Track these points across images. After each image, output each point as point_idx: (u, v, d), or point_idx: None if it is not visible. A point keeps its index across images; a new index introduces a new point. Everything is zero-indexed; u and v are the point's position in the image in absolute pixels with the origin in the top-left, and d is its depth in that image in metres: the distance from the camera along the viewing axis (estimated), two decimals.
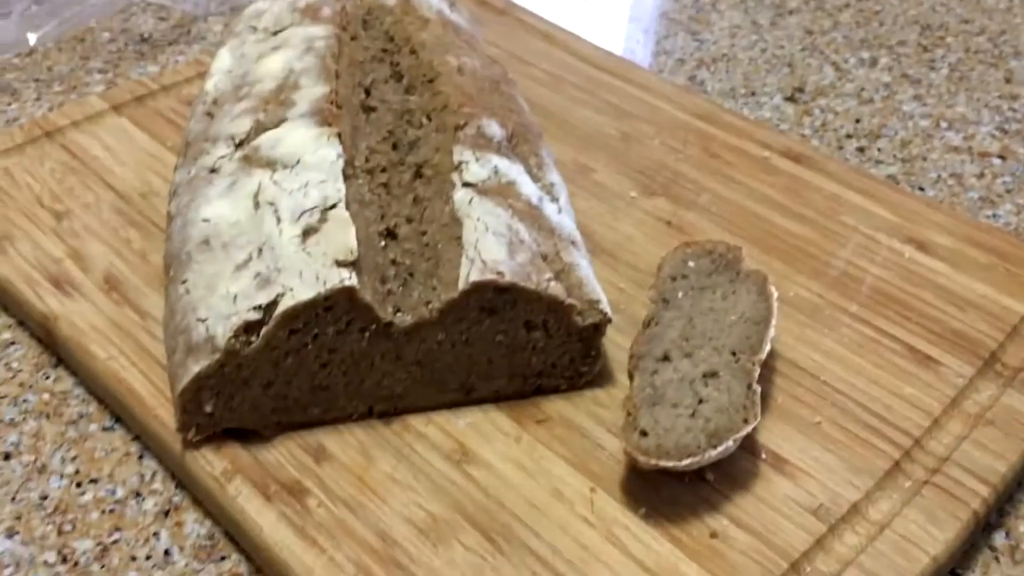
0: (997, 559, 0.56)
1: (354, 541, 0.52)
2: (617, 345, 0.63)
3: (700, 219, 0.74)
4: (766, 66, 1.00)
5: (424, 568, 0.51)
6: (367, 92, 0.70)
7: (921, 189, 0.84)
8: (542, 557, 0.52)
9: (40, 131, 0.80)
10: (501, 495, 0.55)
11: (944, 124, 0.92)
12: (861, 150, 0.88)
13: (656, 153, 0.81)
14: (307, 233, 0.56)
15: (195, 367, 0.54)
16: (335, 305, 0.54)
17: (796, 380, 0.62)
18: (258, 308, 0.54)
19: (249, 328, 0.54)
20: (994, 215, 0.81)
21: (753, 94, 0.96)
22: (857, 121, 0.92)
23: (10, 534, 0.56)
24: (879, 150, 0.88)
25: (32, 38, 0.97)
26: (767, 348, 0.57)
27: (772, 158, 0.80)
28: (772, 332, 0.58)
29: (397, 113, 0.69)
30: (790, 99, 0.95)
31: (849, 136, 0.90)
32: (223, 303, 0.55)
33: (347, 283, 0.53)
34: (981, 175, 0.85)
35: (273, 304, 0.54)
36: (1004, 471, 0.56)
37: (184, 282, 0.58)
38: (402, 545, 0.52)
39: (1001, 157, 0.88)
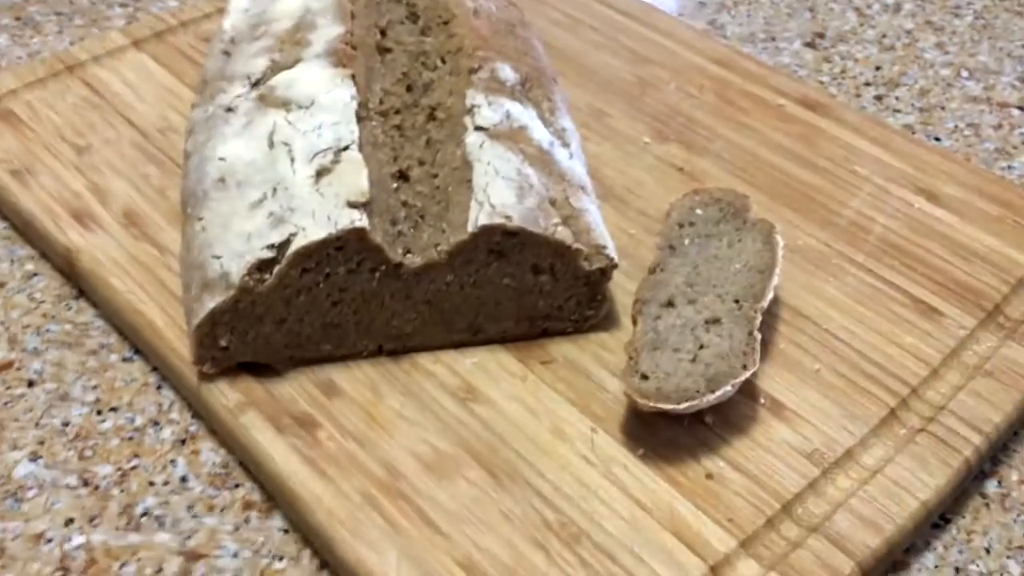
0: (988, 506, 0.58)
1: (361, 473, 0.54)
2: (624, 289, 0.64)
3: (712, 166, 0.75)
4: (787, 10, 0.99)
5: (428, 500, 0.53)
6: (383, 33, 0.70)
7: (937, 139, 0.83)
8: (542, 493, 0.54)
9: (62, 65, 0.81)
10: (505, 433, 0.56)
11: (965, 73, 0.91)
12: (879, 98, 0.88)
13: (671, 98, 0.81)
14: (320, 174, 0.57)
15: (210, 303, 0.56)
16: (346, 246, 0.55)
17: (799, 327, 0.63)
18: (271, 247, 0.55)
19: (262, 266, 0.55)
20: (1009, 167, 0.81)
21: (773, 39, 0.95)
22: (877, 68, 0.91)
23: (34, 458, 0.58)
24: (897, 98, 0.88)
25: None
26: (769, 296, 0.58)
27: (788, 106, 0.80)
28: (776, 281, 0.59)
29: (412, 55, 0.69)
30: (810, 44, 0.94)
31: (868, 84, 0.89)
32: (237, 241, 0.56)
33: (358, 224, 0.55)
34: (999, 126, 0.85)
35: (286, 243, 0.55)
36: (998, 421, 0.58)
37: (200, 219, 0.59)
38: (407, 478, 0.54)
39: (1020, 108, 0.87)
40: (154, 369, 0.63)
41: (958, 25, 0.97)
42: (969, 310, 0.64)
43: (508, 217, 0.56)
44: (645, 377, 0.55)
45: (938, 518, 0.57)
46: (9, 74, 0.80)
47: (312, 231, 0.55)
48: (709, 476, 0.55)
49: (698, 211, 0.64)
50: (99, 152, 0.74)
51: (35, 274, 0.69)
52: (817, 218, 0.70)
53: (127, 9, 0.96)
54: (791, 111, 0.80)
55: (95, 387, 0.62)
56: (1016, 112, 0.86)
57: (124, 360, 0.64)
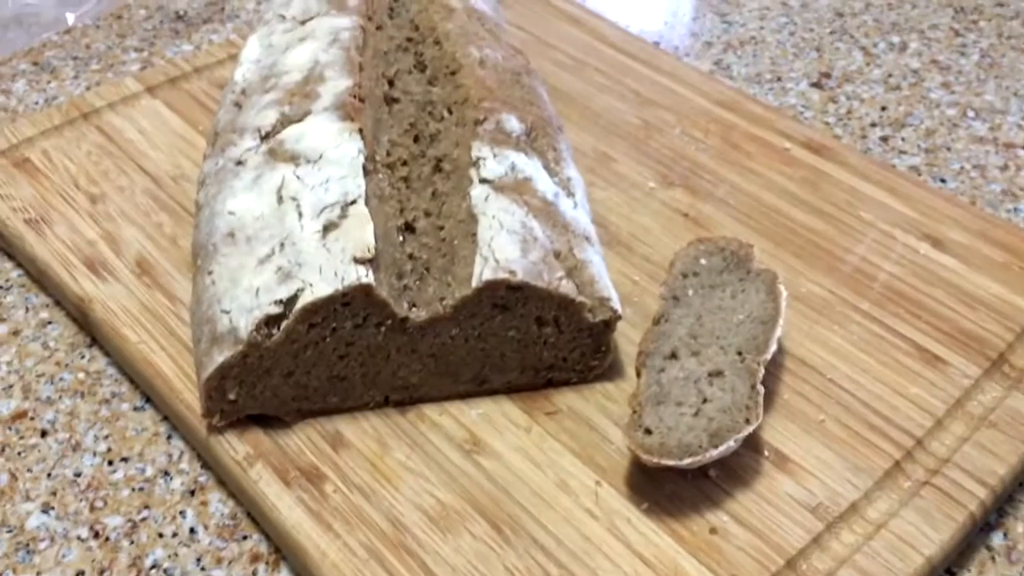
0: (993, 559, 0.58)
1: (367, 527, 0.55)
2: (628, 339, 0.65)
3: (717, 211, 0.75)
4: (794, 50, 1.00)
5: (432, 555, 0.53)
6: (391, 83, 0.71)
7: (943, 181, 0.84)
8: (546, 548, 0.54)
9: (77, 112, 0.83)
10: (510, 485, 0.57)
11: (971, 113, 0.91)
12: (885, 139, 0.88)
13: (677, 143, 0.82)
14: (327, 228, 0.58)
15: (219, 357, 0.56)
16: (352, 301, 0.56)
17: (803, 377, 0.63)
18: (279, 302, 0.56)
19: (270, 321, 0.56)
20: (1015, 209, 0.81)
21: (779, 79, 0.96)
22: (883, 109, 0.92)
23: (46, 509, 0.59)
24: (903, 139, 0.88)
25: (71, 17, 1.00)
26: (772, 349, 0.58)
27: (793, 149, 0.81)
28: (779, 332, 0.59)
29: (419, 105, 0.70)
30: (816, 85, 0.95)
31: (873, 124, 0.90)
32: (246, 296, 0.57)
33: (364, 280, 0.55)
34: (1005, 167, 0.85)
35: (293, 299, 0.56)
36: (1003, 474, 0.58)
37: (210, 273, 0.60)
38: (412, 532, 0.54)
39: None
40: (164, 419, 0.64)
41: (964, 64, 0.98)
42: (974, 359, 0.64)
43: (512, 272, 0.57)
44: (649, 432, 0.55)
45: (943, 572, 0.57)
46: (26, 121, 0.81)
47: (319, 287, 0.56)
48: (713, 531, 0.55)
49: (702, 261, 0.65)
50: (113, 200, 0.75)
51: (49, 322, 0.71)
52: (821, 265, 0.71)
53: (142, 54, 0.98)
54: (796, 155, 0.80)
55: (107, 437, 0.63)
56: (1022, 153, 0.87)
57: (135, 409, 0.65)
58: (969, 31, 1.03)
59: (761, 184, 0.77)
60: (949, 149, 0.87)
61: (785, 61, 0.98)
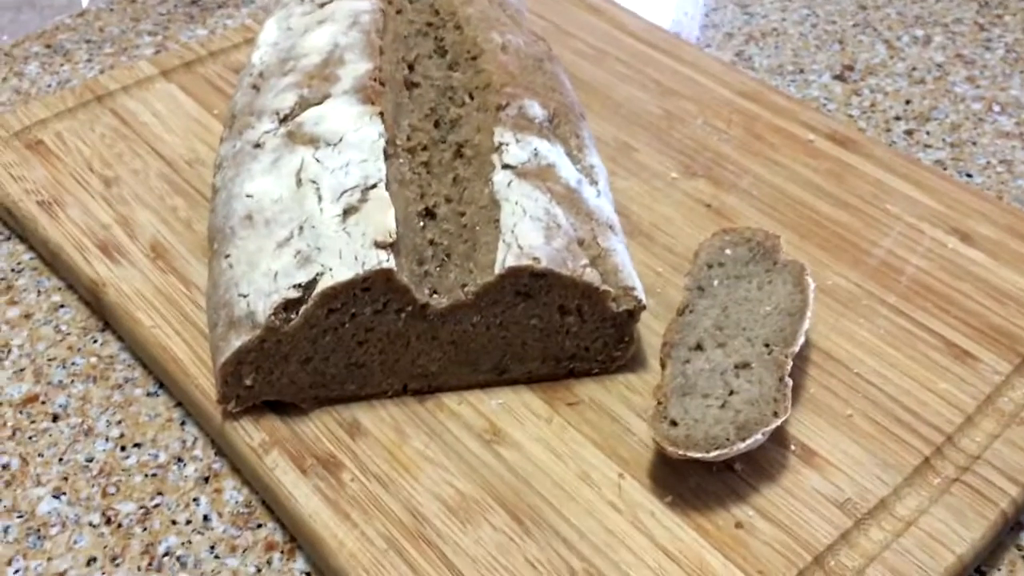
0: None
1: (385, 516, 0.53)
2: (651, 330, 0.63)
3: (740, 203, 0.74)
4: (816, 42, 0.99)
5: (452, 546, 0.52)
6: (411, 67, 0.70)
7: (969, 176, 0.82)
8: (568, 540, 0.53)
9: (91, 95, 0.82)
10: (530, 476, 0.56)
11: (996, 108, 0.90)
12: (909, 133, 0.87)
13: (699, 133, 0.80)
14: (347, 212, 0.57)
15: (236, 342, 0.55)
16: (372, 286, 0.55)
17: (829, 371, 0.62)
18: (298, 287, 0.55)
19: (288, 306, 0.55)
20: None
21: (801, 71, 0.94)
22: (907, 102, 0.91)
23: (57, 494, 0.58)
24: (928, 133, 0.87)
25: (84, 0, 0.99)
26: (801, 341, 0.57)
27: (817, 141, 0.79)
28: (807, 324, 0.58)
29: (440, 90, 0.69)
30: (839, 77, 0.94)
31: (898, 118, 0.89)
32: (264, 280, 0.56)
33: (385, 265, 0.54)
34: None
35: (312, 283, 0.55)
36: None
37: (227, 256, 0.59)
38: (431, 522, 0.53)
39: None
40: (178, 404, 0.63)
41: (989, 58, 0.96)
42: (1004, 355, 0.63)
43: (536, 259, 0.56)
44: (674, 423, 0.54)
45: (973, 571, 0.55)
46: (39, 104, 0.80)
47: (339, 271, 0.54)
48: (739, 525, 0.54)
49: (727, 251, 0.64)
50: (127, 184, 0.74)
51: (62, 305, 0.70)
52: (847, 257, 0.69)
53: (156, 38, 0.97)
54: (820, 146, 0.79)
55: (120, 422, 0.62)
56: None
57: (149, 395, 0.64)
58: (994, 25, 1.01)
59: (785, 176, 0.76)
60: (975, 144, 0.86)
61: (807, 53, 0.97)
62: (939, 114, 0.89)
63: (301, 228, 0.57)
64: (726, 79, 0.86)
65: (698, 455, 0.52)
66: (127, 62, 0.93)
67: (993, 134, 0.87)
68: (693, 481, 0.55)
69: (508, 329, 0.59)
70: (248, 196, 0.60)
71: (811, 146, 0.79)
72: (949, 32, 1.00)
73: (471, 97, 0.68)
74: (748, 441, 0.52)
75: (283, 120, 0.64)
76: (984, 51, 0.98)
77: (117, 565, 0.54)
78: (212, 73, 0.85)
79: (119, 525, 0.56)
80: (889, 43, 0.99)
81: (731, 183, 0.76)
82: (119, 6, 1.01)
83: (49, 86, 0.90)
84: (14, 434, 0.61)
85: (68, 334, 0.68)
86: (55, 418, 0.62)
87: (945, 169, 0.83)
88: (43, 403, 0.63)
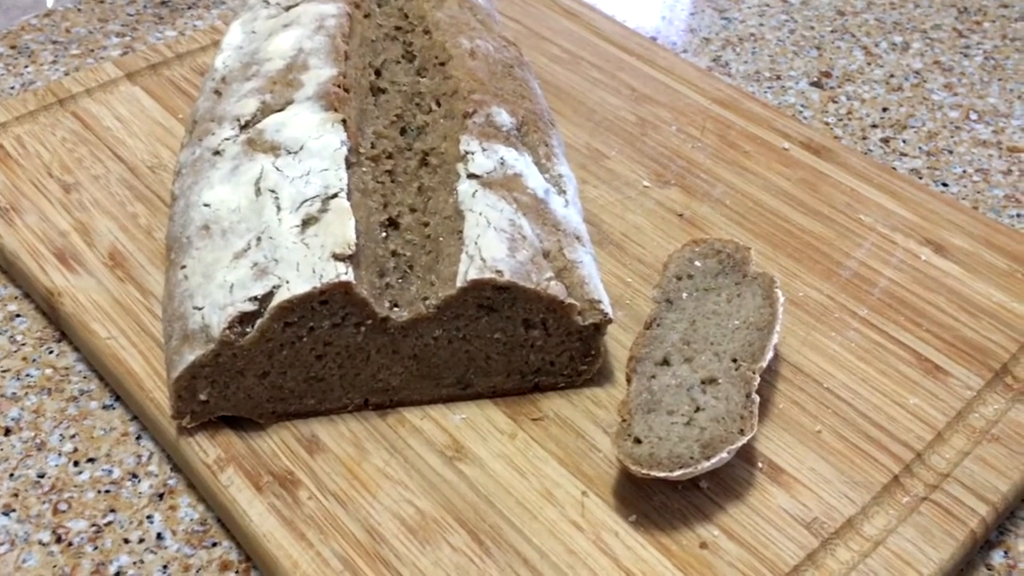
0: None
1: (342, 536, 0.52)
2: (619, 343, 0.62)
3: (712, 212, 0.73)
4: (794, 48, 0.98)
5: (410, 567, 0.51)
6: (377, 73, 0.69)
7: (944, 185, 0.81)
8: (529, 561, 0.52)
9: (53, 98, 0.80)
10: (492, 494, 0.54)
11: (974, 116, 0.89)
12: (886, 141, 0.86)
13: (672, 140, 0.79)
14: (306, 223, 0.56)
15: (190, 356, 0.54)
16: (331, 299, 0.53)
17: (799, 385, 0.61)
18: (254, 299, 0.53)
19: (244, 319, 0.53)
20: (1018, 215, 0.79)
21: (779, 78, 0.93)
22: (884, 110, 0.90)
23: (7, 511, 0.56)
24: (904, 142, 0.86)
25: (49, 0, 0.97)
26: (769, 356, 0.56)
27: (791, 149, 0.78)
28: (775, 340, 0.57)
29: (407, 96, 0.68)
30: (816, 84, 0.93)
31: (875, 126, 0.88)
32: (220, 292, 0.54)
33: (343, 278, 0.53)
34: (1008, 172, 0.83)
35: (269, 296, 0.53)
36: (1005, 490, 0.55)
37: (183, 267, 0.58)
38: (390, 542, 0.52)
39: None
40: (134, 418, 0.61)
41: (967, 66, 0.96)
42: (976, 370, 0.62)
43: (499, 272, 0.55)
44: (638, 441, 0.53)
45: None
46: None
47: (296, 284, 0.53)
48: (703, 545, 0.52)
49: (697, 263, 0.63)
50: (87, 189, 0.72)
51: (17, 315, 0.68)
52: (819, 269, 0.68)
53: (124, 39, 0.95)
54: (795, 155, 0.78)
55: (73, 436, 0.60)
56: None
57: (104, 408, 0.62)
58: (973, 32, 1.01)
59: (758, 184, 0.75)
60: (951, 152, 0.85)
61: (784, 59, 0.96)
62: (916, 122, 0.88)
63: (259, 239, 0.56)
64: (701, 85, 0.85)
65: (662, 475, 0.51)
66: (94, 64, 0.91)
67: (970, 143, 0.86)
68: (658, 499, 0.54)
69: (471, 343, 0.57)
70: (206, 205, 0.59)
71: (786, 154, 0.78)
72: (927, 38, 1.00)
73: (438, 104, 0.66)
74: (713, 460, 0.51)
75: (244, 127, 0.63)
76: (962, 58, 0.97)
77: None
78: (178, 76, 0.83)
79: (70, 544, 0.55)
80: (867, 49, 0.98)
81: (704, 192, 0.74)
82: (87, 6, 0.99)
83: (12, 88, 0.88)
84: None
85: (23, 344, 0.66)
86: (7, 432, 0.60)
87: (921, 178, 0.82)
88: None
